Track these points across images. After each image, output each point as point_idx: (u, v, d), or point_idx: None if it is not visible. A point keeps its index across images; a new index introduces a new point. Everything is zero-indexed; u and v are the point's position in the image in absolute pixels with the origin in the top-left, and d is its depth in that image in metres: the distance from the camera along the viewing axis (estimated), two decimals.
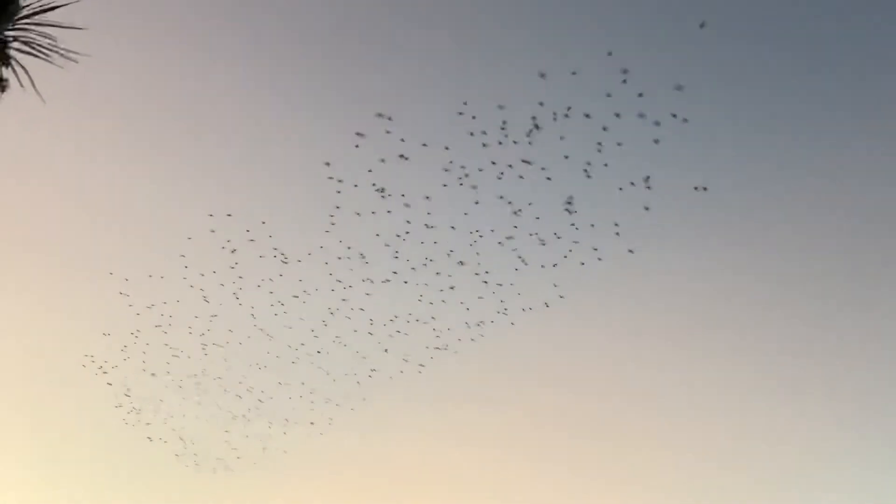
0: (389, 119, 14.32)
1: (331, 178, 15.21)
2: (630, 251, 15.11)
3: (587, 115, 13.74)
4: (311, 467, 24.02)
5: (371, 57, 19.81)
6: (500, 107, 14.18)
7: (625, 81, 13.16)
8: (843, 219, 22.37)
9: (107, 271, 17.95)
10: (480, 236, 16.17)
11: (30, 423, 23.62)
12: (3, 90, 8.63)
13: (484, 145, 14.51)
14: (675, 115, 13.27)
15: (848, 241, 22.51)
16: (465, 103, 14.13)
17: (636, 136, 13.74)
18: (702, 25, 13.42)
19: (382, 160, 14.70)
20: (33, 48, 7.80)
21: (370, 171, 15.03)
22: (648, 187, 14.44)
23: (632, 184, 14.84)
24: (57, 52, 7.67)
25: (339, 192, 15.35)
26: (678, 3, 19.01)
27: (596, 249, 15.54)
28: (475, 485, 24.76)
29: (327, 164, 14.95)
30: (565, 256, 15.46)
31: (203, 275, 17.07)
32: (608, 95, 13.53)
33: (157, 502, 23.56)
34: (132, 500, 23.70)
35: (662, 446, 24.20)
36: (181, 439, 19.51)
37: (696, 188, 14.31)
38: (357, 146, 14.73)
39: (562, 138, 14.13)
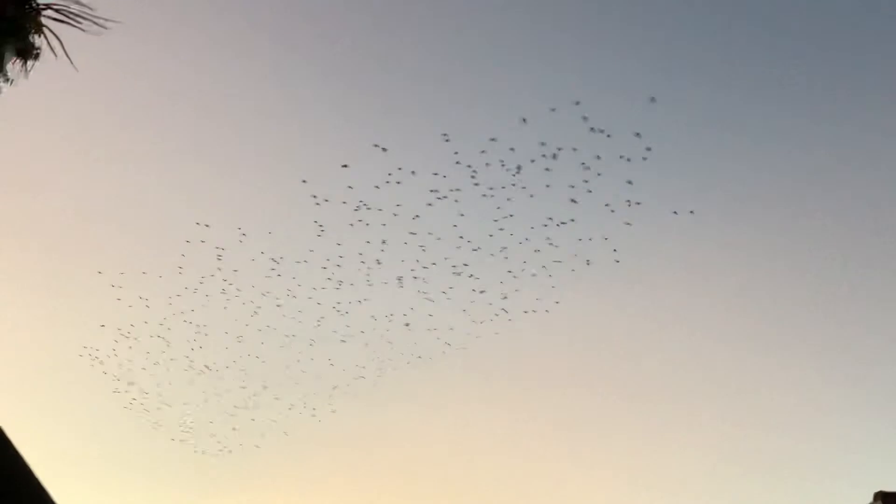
0: (384, 150, 15.47)
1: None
2: (617, 261, 16.04)
3: (574, 149, 15.03)
4: (312, 453, 24.28)
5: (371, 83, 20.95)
6: (492, 139, 15.53)
7: (592, 129, 14.52)
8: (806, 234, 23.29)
9: (108, 267, 18.39)
10: (479, 247, 16.95)
11: (30, 414, 23.94)
12: (36, 58, 8.96)
13: (471, 178, 15.60)
14: (649, 149, 14.53)
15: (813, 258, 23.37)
16: (445, 133, 15.33)
17: (614, 166, 15.05)
18: (652, 100, 15.14)
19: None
20: (65, 15, 8.12)
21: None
22: (638, 203, 15.36)
23: (628, 203, 15.87)
24: (89, 19, 8.00)
25: (314, 206, 16.26)
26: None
27: (588, 261, 16.40)
28: (471, 475, 25.01)
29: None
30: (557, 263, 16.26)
31: (203, 278, 17.61)
32: (605, 132, 14.87)
33: (159, 486, 23.72)
34: (134, 485, 23.86)
35: (654, 435, 24.59)
36: (182, 423, 19.75)
37: (675, 212, 15.49)
38: (345, 166, 15.82)
39: (547, 170, 15.31)
